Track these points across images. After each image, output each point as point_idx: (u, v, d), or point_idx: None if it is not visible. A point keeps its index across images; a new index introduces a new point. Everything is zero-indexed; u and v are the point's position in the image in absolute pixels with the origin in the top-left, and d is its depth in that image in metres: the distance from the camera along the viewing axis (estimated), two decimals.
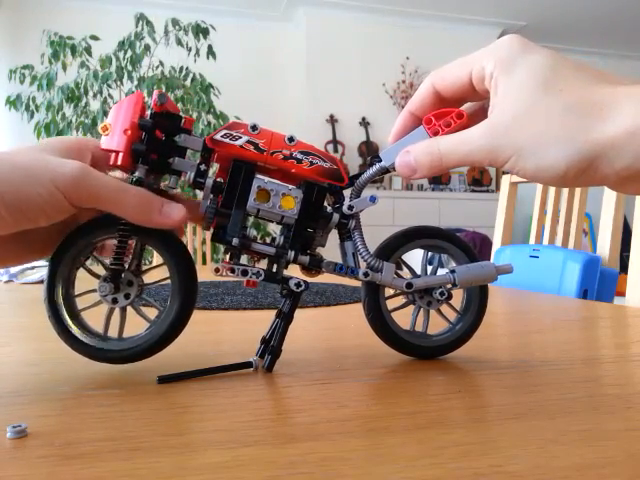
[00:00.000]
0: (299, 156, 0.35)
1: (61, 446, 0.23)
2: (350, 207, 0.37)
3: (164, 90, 3.07)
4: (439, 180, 4.65)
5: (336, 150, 4.42)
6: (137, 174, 0.34)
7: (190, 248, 2.03)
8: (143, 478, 0.20)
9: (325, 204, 0.37)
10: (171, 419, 0.27)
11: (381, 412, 0.28)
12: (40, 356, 0.39)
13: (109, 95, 3.13)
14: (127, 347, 0.35)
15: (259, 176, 0.35)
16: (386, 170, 0.36)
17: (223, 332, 0.54)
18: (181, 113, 0.35)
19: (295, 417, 0.28)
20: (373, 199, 0.37)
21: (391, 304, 0.40)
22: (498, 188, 4.62)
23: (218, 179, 0.35)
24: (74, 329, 0.34)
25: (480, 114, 0.35)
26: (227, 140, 0.34)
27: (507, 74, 0.30)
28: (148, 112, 0.34)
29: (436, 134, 0.34)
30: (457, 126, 0.34)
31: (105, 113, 3.07)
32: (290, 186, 0.36)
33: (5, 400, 0.29)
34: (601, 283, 1.09)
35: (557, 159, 0.28)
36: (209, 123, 3.19)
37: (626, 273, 0.99)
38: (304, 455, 0.22)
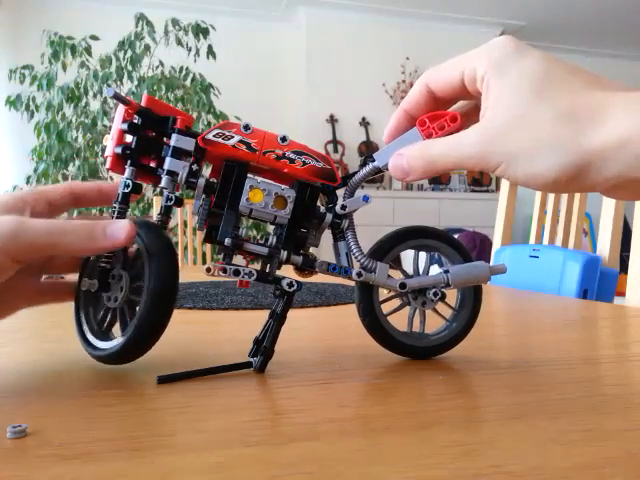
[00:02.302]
0: (292, 156, 0.35)
1: (61, 446, 0.23)
2: (343, 207, 0.37)
3: (164, 90, 3.07)
4: (439, 180, 4.64)
5: (336, 150, 4.42)
6: (125, 175, 0.35)
7: (190, 248, 2.03)
8: (143, 478, 0.20)
9: (318, 204, 0.37)
10: (171, 419, 0.27)
11: (381, 412, 0.28)
12: (40, 356, 0.39)
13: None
14: (103, 348, 0.35)
15: (251, 176, 0.35)
16: (379, 170, 0.36)
17: (223, 332, 0.54)
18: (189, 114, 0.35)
19: (295, 417, 0.27)
20: (366, 199, 0.37)
21: (386, 308, 0.40)
22: (498, 188, 4.62)
23: (211, 179, 0.35)
24: (83, 321, 0.36)
25: (473, 113, 0.35)
26: (219, 140, 0.34)
27: (499, 78, 0.30)
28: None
29: (430, 137, 0.34)
30: (451, 129, 0.33)
31: (105, 113, 3.07)
32: (283, 186, 0.36)
33: (5, 400, 0.29)
34: (601, 283, 1.09)
35: (547, 167, 0.28)
36: (209, 123, 3.19)
37: (626, 273, 0.99)
38: (304, 455, 0.22)
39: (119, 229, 0.33)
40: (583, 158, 0.27)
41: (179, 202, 0.35)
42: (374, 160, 0.36)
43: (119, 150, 0.34)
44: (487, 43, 0.32)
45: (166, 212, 0.36)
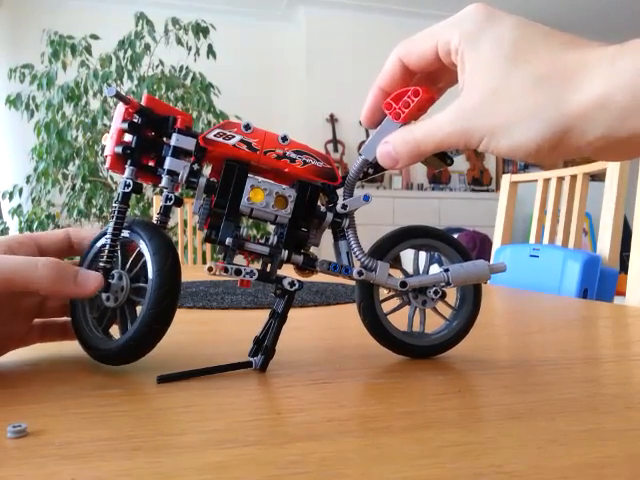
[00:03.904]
0: (292, 155, 0.35)
1: (61, 446, 0.23)
2: (344, 206, 0.37)
3: (164, 89, 3.06)
4: (439, 180, 4.65)
5: (336, 150, 4.42)
6: (125, 175, 0.35)
7: (190, 248, 2.03)
8: (143, 478, 0.20)
9: (319, 203, 0.37)
10: (171, 419, 0.27)
11: (381, 412, 0.28)
12: (40, 356, 0.39)
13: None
14: (107, 347, 0.35)
15: (252, 175, 0.35)
16: (370, 164, 0.36)
17: (223, 332, 0.54)
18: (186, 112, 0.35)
19: (295, 417, 0.28)
20: (366, 198, 0.37)
21: (386, 307, 0.40)
22: (498, 188, 4.61)
23: (211, 179, 0.35)
24: (81, 321, 0.36)
25: (444, 74, 0.34)
26: (220, 139, 0.34)
27: (472, 49, 0.29)
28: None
29: (398, 117, 0.34)
30: (417, 104, 0.33)
31: (105, 112, 3.07)
32: (283, 186, 0.36)
33: (5, 400, 0.29)
34: (601, 283, 1.09)
35: (528, 137, 0.27)
36: (209, 122, 3.19)
37: (626, 273, 0.99)
38: (304, 455, 0.22)
39: (89, 279, 0.33)
40: (563, 123, 0.26)
41: (179, 202, 0.35)
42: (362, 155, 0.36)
43: (119, 150, 0.34)
44: (459, 12, 0.30)
45: (165, 212, 0.36)
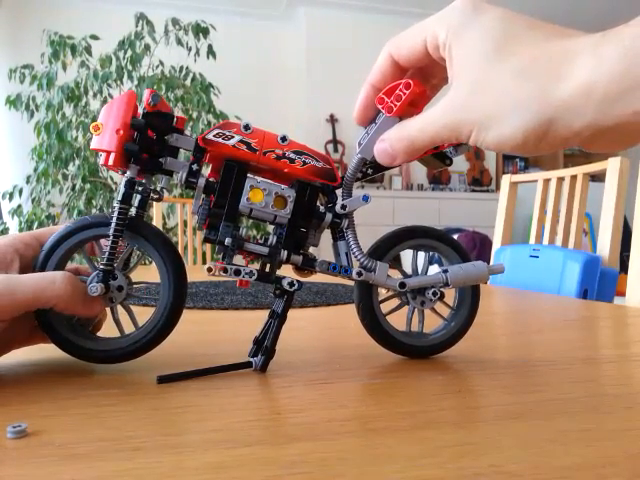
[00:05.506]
0: (292, 156, 0.35)
1: (61, 446, 0.23)
2: (343, 206, 0.37)
3: (164, 90, 3.06)
4: (439, 180, 4.65)
5: (336, 150, 4.41)
6: (128, 174, 0.34)
7: (190, 248, 2.03)
8: (143, 478, 0.20)
9: (318, 204, 0.37)
10: (171, 419, 0.27)
11: (380, 412, 0.28)
12: (40, 356, 0.39)
13: (109, 95, 3.12)
14: (117, 347, 0.35)
15: (251, 176, 0.35)
16: (368, 162, 0.36)
17: (223, 332, 0.54)
18: (175, 113, 0.35)
19: (295, 417, 0.28)
20: (366, 198, 0.37)
21: (385, 307, 0.40)
22: (498, 188, 4.61)
23: (210, 179, 0.35)
24: (63, 329, 0.35)
25: (434, 70, 0.34)
26: (219, 139, 0.34)
27: (459, 43, 0.29)
28: (140, 111, 0.34)
29: (391, 111, 0.33)
30: (409, 96, 0.33)
31: None
32: (283, 186, 0.36)
33: (5, 400, 0.29)
34: (601, 283, 1.09)
35: (514, 128, 0.27)
36: (209, 123, 3.19)
37: (626, 273, 0.99)
38: (304, 455, 0.22)
39: (94, 301, 0.34)
40: (549, 113, 0.26)
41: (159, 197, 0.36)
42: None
43: (133, 147, 0.33)
44: (447, 7, 0.30)
45: (142, 205, 0.36)
